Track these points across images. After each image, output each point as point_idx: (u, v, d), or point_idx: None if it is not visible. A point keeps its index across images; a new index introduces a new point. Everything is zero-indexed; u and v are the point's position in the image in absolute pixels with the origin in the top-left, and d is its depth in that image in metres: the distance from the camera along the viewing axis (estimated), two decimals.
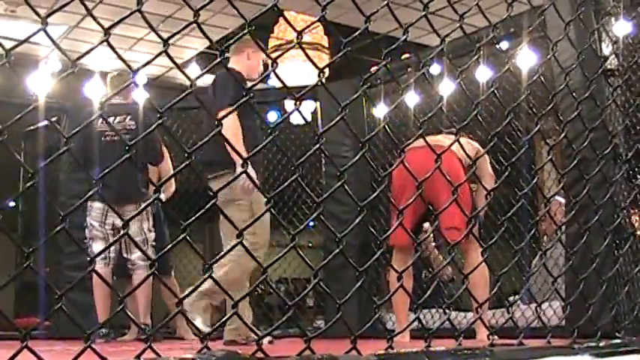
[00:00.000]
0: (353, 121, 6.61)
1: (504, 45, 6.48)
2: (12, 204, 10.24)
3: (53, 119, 7.91)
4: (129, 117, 6.30)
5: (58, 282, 7.02)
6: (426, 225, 5.93)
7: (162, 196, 6.56)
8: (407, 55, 7.32)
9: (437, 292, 7.41)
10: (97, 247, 6.18)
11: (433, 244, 7.65)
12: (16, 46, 1.51)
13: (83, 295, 6.33)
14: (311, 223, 9.33)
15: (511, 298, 6.87)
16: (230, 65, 5.60)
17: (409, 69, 6.97)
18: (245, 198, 5.27)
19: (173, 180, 6.86)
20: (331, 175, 7.19)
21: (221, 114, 5.19)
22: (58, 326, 6.87)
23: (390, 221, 5.76)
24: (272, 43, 10.87)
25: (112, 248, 6.17)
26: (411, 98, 7.19)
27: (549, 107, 2.67)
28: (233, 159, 4.80)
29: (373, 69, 8.54)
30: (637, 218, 5.28)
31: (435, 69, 7.01)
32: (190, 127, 8.29)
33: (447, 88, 6.52)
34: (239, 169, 5.06)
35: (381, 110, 7.50)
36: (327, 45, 11.20)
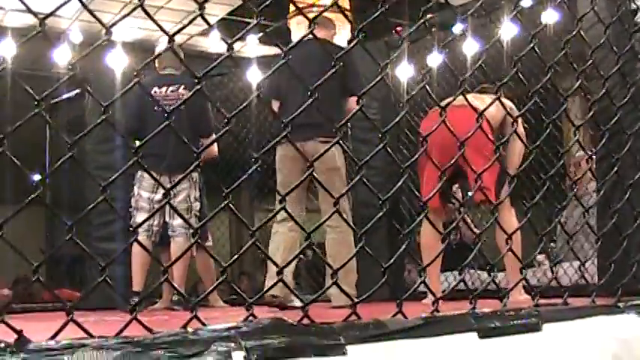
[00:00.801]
0: (379, 84, 6.51)
1: (527, 2, 6.43)
2: (38, 177, 10.27)
3: (77, 91, 7.93)
4: (182, 87, 6.34)
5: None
6: (454, 187, 5.90)
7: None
8: (430, 15, 7.24)
9: (460, 254, 7.39)
10: (140, 217, 6.18)
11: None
12: (50, 15, 1.48)
13: (112, 266, 6.38)
14: None
15: (539, 257, 6.85)
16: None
17: (433, 29, 6.88)
18: (343, 167, 5.56)
19: (215, 146, 6.88)
20: (358, 138, 7.14)
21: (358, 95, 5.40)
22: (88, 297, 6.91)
23: (418, 182, 5.73)
24: (293, 6, 10.76)
25: (156, 222, 6.24)
26: (436, 59, 7.14)
27: (589, 63, 2.62)
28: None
29: (397, 29, 8.46)
30: None
31: (458, 28, 6.93)
32: (215, 95, 8.27)
33: (471, 46, 6.47)
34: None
35: (404, 71, 7.45)
36: (348, 7, 11.08)
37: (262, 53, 9.21)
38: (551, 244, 7.21)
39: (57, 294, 1.78)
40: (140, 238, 6.01)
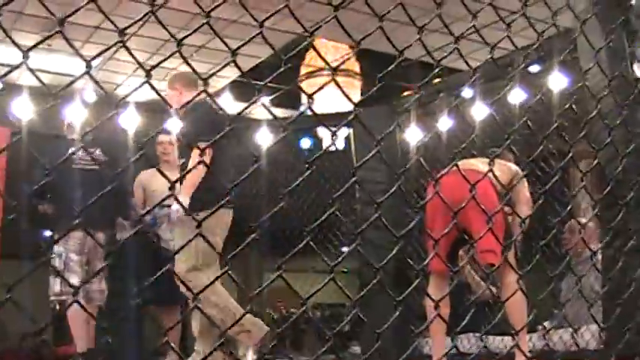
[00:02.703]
0: (386, 147, 6.54)
1: (535, 67, 6.51)
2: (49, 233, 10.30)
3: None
4: (99, 149, 6.55)
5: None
6: (461, 251, 5.93)
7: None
8: (438, 80, 7.35)
9: (474, 316, 7.35)
10: (74, 279, 6.17)
11: (469, 267, 7.61)
12: (68, 86, 1.57)
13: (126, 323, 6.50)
14: (344, 248, 9.37)
15: (546, 323, 6.84)
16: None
17: (441, 94, 6.98)
18: None
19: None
20: (365, 201, 7.21)
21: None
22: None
23: (425, 245, 5.77)
24: (303, 70, 10.88)
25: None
26: (444, 122, 7.21)
27: (582, 134, 2.69)
28: None
29: (405, 93, 8.58)
30: None
31: (467, 92, 7.02)
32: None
33: (479, 111, 6.55)
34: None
35: (413, 134, 7.52)
36: (358, 71, 11.21)
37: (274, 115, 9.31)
38: (556, 310, 7.21)
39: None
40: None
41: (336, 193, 2.11)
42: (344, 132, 7.94)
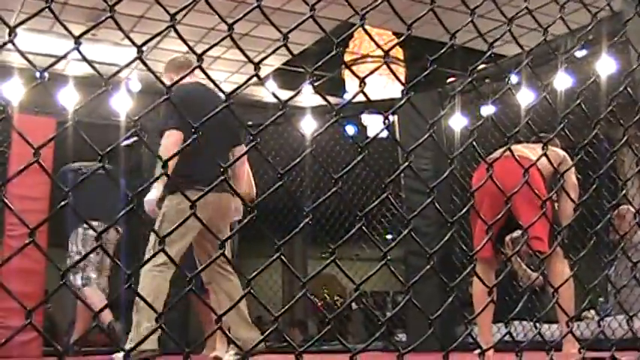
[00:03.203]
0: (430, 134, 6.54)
1: (581, 52, 6.42)
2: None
3: (134, 139, 8.11)
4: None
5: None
6: (507, 238, 5.87)
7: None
8: (484, 66, 7.28)
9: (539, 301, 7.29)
10: (93, 274, 6.84)
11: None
12: (119, 71, 1.58)
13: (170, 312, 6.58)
14: (389, 236, 9.34)
15: (592, 311, 6.77)
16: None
17: (487, 80, 6.92)
18: None
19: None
20: (411, 188, 7.18)
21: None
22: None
23: (469, 231, 5.72)
24: (347, 57, 10.86)
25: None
26: (489, 109, 7.15)
27: (636, 119, 2.64)
28: None
29: (449, 80, 8.50)
30: None
31: (512, 78, 6.95)
32: (269, 144, 8.36)
33: (525, 97, 6.48)
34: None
35: (458, 121, 7.46)
36: (402, 57, 11.15)
37: (317, 103, 9.31)
38: (600, 298, 7.15)
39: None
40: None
41: (379, 180, 2.08)
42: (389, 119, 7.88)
